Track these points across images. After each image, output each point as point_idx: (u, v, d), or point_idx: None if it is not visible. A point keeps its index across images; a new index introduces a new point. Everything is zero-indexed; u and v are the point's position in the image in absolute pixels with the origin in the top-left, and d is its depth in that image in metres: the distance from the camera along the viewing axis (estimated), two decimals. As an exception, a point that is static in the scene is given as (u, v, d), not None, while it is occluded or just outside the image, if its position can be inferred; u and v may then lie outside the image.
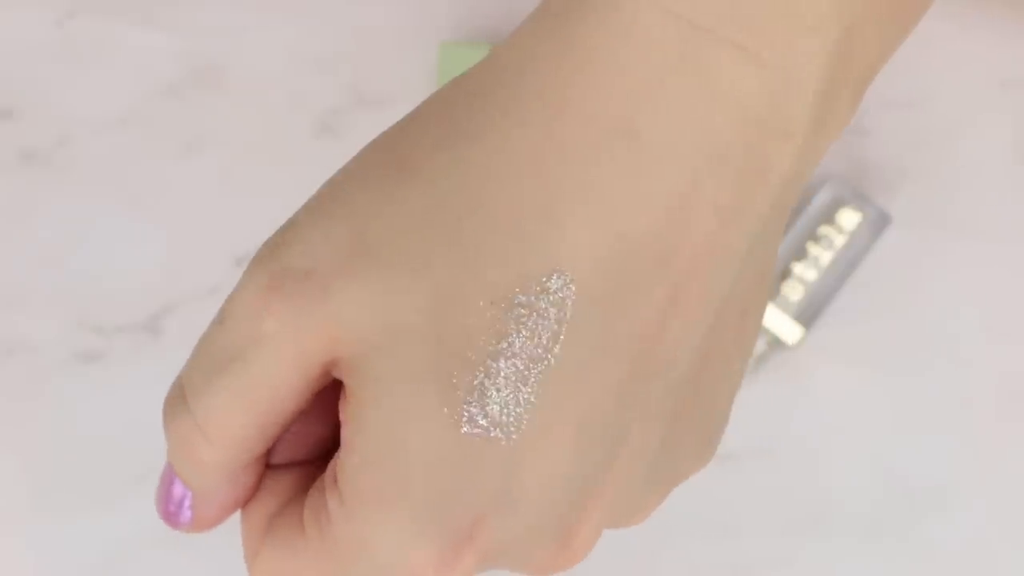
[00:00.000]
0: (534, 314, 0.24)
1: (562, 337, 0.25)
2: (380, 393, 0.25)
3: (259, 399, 0.26)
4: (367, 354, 0.25)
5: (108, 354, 0.50)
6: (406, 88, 0.51)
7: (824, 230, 0.49)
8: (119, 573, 0.48)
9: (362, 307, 0.25)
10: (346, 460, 0.26)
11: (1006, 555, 0.48)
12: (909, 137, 0.51)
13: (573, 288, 0.24)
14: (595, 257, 0.25)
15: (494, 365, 0.24)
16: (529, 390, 0.25)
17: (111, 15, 0.52)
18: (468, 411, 0.25)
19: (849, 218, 0.49)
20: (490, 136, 0.25)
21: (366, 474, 0.25)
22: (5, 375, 0.50)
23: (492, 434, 0.25)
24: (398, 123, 0.27)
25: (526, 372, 0.24)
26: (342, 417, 0.26)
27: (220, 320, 0.27)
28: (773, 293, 0.49)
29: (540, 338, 0.24)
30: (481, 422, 0.25)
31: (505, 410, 0.25)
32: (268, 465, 0.29)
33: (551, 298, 0.24)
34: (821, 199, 0.49)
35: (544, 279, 0.24)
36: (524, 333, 0.24)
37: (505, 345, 0.24)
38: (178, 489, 0.28)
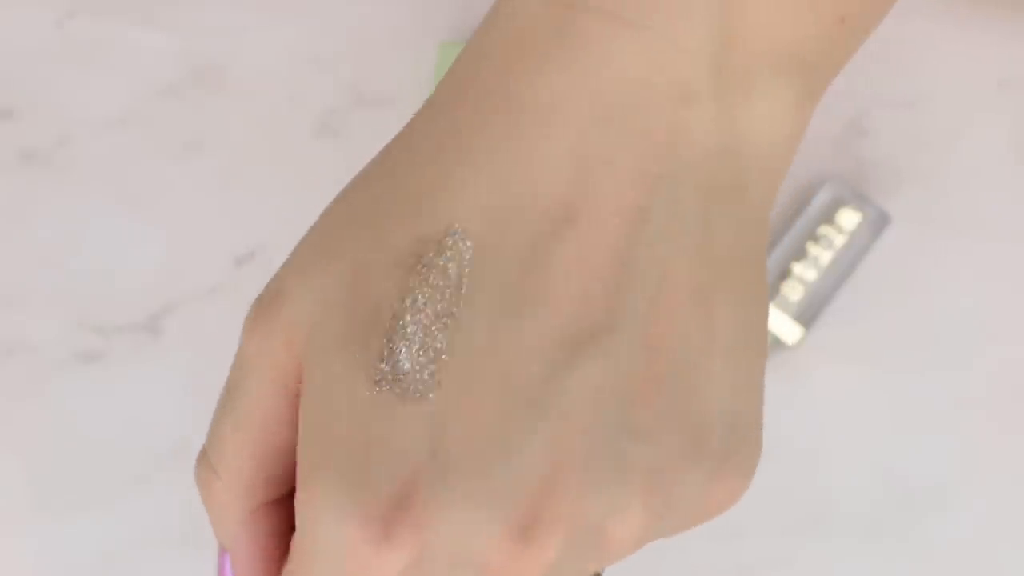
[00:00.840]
0: (434, 271, 0.25)
1: (465, 291, 0.25)
2: (310, 370, 0.26)
3: (252, 422, 0.27)
4: (307, 340, 0.26)
5: (108, 354, 0.50)
6: (405, 88, 0.51)
7: (824, 230, 0.49)
8: (119, 573, 0.48)
9: (303, 301, 0.26)
10: (298, 449, 0.26)
11: (1006, 555, 0.48)
12: (908, 137, 0.51)
13: (468, 243, 0.25)
14: (486, 214, 0.25)
15: (401, 322, 0.25)
16: (438, 345, 0.25)
17: (111, 15, 0.52)
18: (380, 369, 0.25)
19: (849, 218, 0.49)
20: (406, 128, 0.27)
21: (303, 453, 0.26)
22: (5, 375, 0.50)
23: (405, 389, 0.25)
24: None
25: (434, 327, 0.25)
26: None
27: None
28: (773, 293, 0.49)
29: (443, 292, 0.25)
30: (393, 379, 0.25)
31: (417, 366, 0.25)
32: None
33: (448, 254, 0.25)
34: (821, 199, 0.49)
35: (439, 237, 0.25)
36: (427, 289, 0.25)
37: (410, 302, 0.25)
38: (227, 567, 0.29)
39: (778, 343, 0.49)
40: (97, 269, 0.50)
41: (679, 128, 0.26)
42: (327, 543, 0.25)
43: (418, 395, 0.25)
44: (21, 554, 0.48)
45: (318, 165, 0.51)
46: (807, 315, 0.49)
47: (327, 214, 0.27)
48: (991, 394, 0.49)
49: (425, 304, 0.25)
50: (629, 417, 0.25)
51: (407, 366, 0.25)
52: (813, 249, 0.49)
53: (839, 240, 0.49)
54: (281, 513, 0.29)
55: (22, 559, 0.48)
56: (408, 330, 0.25)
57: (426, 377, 0.25)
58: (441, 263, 0.25)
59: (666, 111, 0.26)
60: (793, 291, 0.49)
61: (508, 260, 0.25)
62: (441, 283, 0.25)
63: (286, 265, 0.27)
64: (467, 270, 0.25)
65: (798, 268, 0.49)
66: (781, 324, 0.48)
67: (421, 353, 0.25)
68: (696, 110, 0.26)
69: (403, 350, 0.25)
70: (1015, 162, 0.51)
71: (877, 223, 0.49)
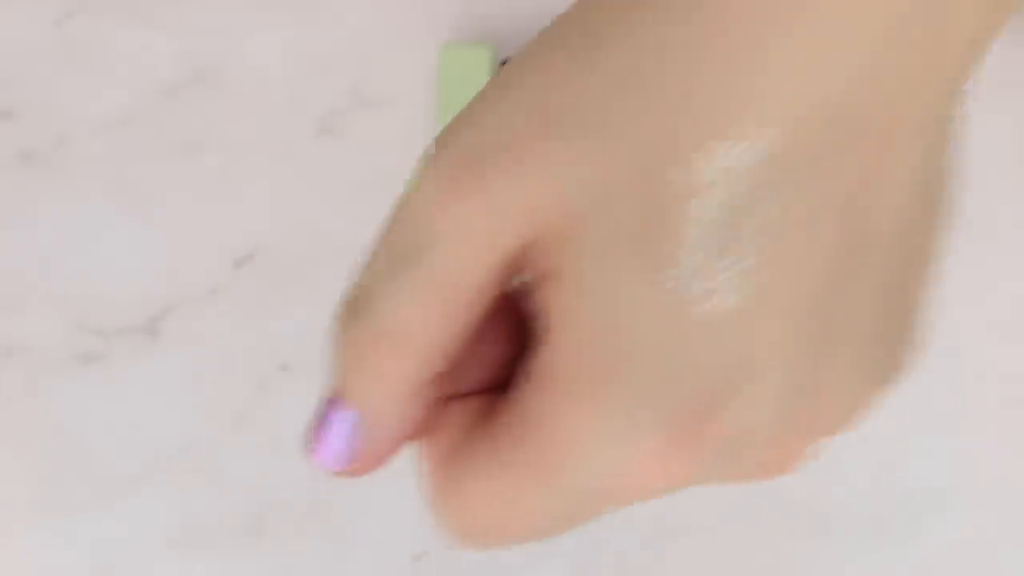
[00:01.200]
0: (734, 174, 0.23)
1: (767, 198, 0.23)
2: (588, 267, 0.23)
3: (450, 292, 0.24)
4: (571, 227, 0.24)
5: (107, 356, 0.50)
6: (406, 89, 0.51)
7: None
8: (119, 573, 0.48)
9: (560, 177, 0.23)
10: (553, 350, 0.24)
11: (1007, 555, 0.48)
12: (911, 138, 0.51)
13: (770, 148, 0.23)
14: (781, 122, 0.23)
15: (703, 227, 0.23)
16: (743, 254, 0.23)
17: (110, 15, 0.52)
18: (683, 277, 0.23)
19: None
20: (663, 11, 0.24)
21: (578, 359, 0.24)
22: (5, 376, 0.50)
23: (713, 302, 0.23)
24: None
25: (736, 234, 0.23)
26: (544, 304, 0.24)
27: (401, 211, 0.25)
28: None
29: (745, 199, 0.23)
30: (700, 289, 0.23)
31: (723, 274, 0.23)
32: (443, 399, 0.27)
33: (749, 157, 0.23)
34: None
35: (740, 139, 0.23)
36: (727, 193, 0.23)
37: (701, 209, 0.23)
38: (340, 425, 0.26)
39: (779, 345, 0.49)
40: (97, 270, 0.50)
41: (950, 42, 0.24)
42: (607, 457, 0.24)
43: (724, 306, 0.23)
44: (21, 554, 0.48)
45: (318, 165, 0.51)
46: (808, 317, 0.48)
47: (565, 75, 0.24)
48: (993, 395, 0.49)
49: (724, 210, 0.23)
50: (876, 328, 0.25)
51: (714, 274, 0.23)
52: (814, 251, 0.49)
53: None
54: (432, 393, 0.26)
55: (22, 559, 0.48)
56: (714, 237, 0.23)
57: (732, 287, 0.23)
58: (742, 166, 0.23)
59: (944, 23, 0.24)
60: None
61: (808, 169, 0.23)
62: (742, 188, 0.23)
63: (509, 117, 0.24)
64: (767, 176, 0.23)
65: (799, 270, 0.49)
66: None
67: (726, 262, 0.23)
68: (968, 18, 0.24)
69: (706, 258, 0.23)
70: (1017, 163, 0.51)
71: (879, 224, 0.49)
